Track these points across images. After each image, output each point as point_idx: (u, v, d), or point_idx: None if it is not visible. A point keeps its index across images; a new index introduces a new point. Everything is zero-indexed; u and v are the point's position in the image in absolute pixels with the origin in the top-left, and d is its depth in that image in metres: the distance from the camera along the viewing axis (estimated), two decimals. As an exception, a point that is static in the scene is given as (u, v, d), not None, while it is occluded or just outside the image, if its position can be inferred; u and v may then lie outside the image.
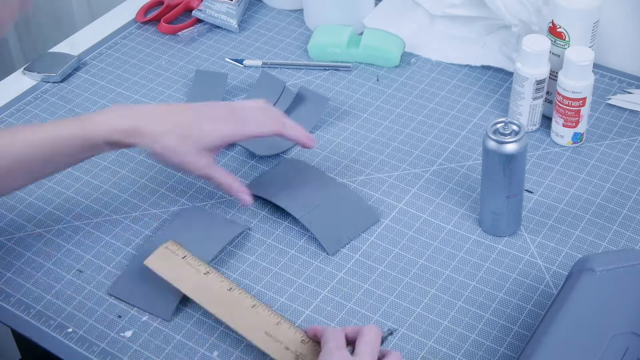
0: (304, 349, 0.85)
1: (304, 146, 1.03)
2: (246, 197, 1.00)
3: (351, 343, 0.83)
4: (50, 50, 1.32)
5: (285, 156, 1.12)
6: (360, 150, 1.13)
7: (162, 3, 1.40)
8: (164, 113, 0.97)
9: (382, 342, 0.83)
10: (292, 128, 1.02)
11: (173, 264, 0.93)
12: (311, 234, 1.01)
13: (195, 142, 0.96)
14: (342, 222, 1.03)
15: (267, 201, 1.06)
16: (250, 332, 0.87)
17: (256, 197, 1.05)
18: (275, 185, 1.07)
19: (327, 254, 1.00)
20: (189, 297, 0.91)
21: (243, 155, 1.13)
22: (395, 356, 0.81)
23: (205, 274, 0.92)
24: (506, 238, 1.01)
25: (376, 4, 1.33)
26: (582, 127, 1.10)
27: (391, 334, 0.85)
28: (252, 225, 1.04)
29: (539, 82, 1.09)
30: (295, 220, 1.04)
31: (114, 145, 0.95)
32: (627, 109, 1.17)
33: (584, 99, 1.07)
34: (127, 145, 0.95)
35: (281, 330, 0.87)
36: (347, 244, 1.01)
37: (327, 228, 1.02)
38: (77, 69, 1.29)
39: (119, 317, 0.94)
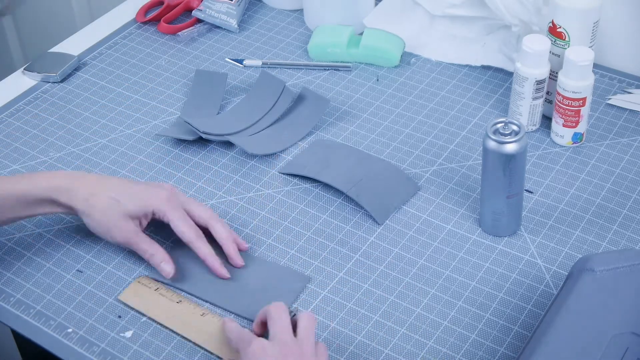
0: None
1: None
2: (168, 267, 0.96)
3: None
4: (50, 50, 1.32)
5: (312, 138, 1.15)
6: (360, 150, 1.13)
7: (162, 3, 1.40)
8: (99, 178, 0.99)
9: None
10: (222, 225, 1.00)
11: (147, 297, 0.95)
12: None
13: (123, 208, 0.95)
14: (387, 192, 1.06)
15: (267, 201, 1.06)
16: (226, 349, 0.89)
17: (289, 176, 1.07)
18: (314, 164, 1.09)
19: (378, 224, 1.02)
20: (163, 324, 0.93)
21: (243, 156, 1.13)
22: (307, 317, 0.85)
23: (177, 302, 0.94)
24: (506, 238, 1.01)
25: (376, 4, 1.33)
26: (582, 127, 1.10)
27: (294, 315, 0.87)
28: (252, 225, 1.04)
29: (539, 82, 1.09)
30: (295, 220, 1.04)
31: (53, 203, 0.96)
32: (627, 109, 1.17)
33: (584, 99, 1.07)
34: (64, 207, 0.96)
35: None
36: (394, 213, 1.03)
37: (374, 199, 1.04)
38: (77, 69, 1.29)
39: (119, 317, 0.94)
